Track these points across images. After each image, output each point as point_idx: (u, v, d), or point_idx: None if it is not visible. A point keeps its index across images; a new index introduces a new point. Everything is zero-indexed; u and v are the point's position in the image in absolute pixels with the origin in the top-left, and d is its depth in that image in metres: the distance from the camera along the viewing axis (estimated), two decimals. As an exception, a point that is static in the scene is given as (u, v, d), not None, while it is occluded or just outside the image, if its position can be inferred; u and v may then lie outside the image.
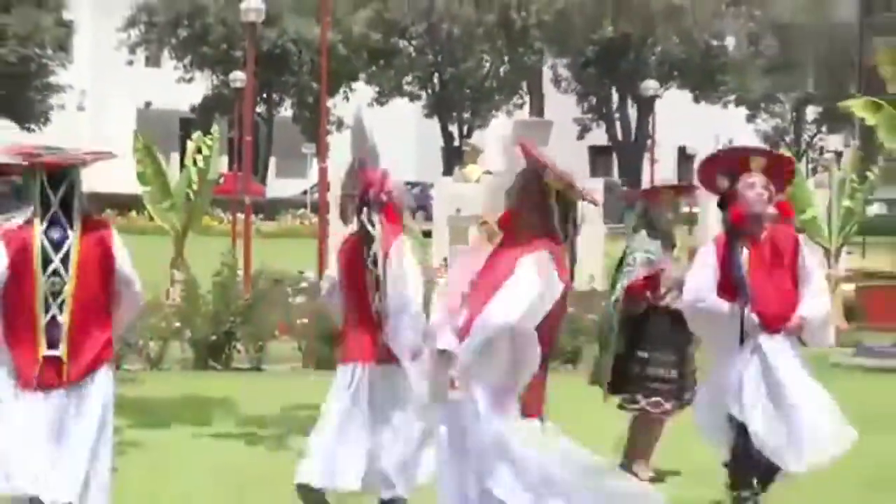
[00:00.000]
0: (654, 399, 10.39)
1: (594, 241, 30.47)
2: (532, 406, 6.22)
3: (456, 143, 64.83)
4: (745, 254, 8.45)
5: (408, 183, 63.32)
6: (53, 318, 7.42)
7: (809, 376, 8.53)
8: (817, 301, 8.50)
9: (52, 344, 7.39)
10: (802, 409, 8.35)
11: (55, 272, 7.44)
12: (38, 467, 7.37)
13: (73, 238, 7.47)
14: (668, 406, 10.42)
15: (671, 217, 10.71)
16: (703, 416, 9.01)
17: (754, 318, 8.41)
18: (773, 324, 8.42)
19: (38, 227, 7.46)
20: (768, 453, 8.39)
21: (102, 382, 7.51)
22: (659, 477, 10.39)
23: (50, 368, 7.38)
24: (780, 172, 8.76)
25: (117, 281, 7.58)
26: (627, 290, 10.36)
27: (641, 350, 10.39)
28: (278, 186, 63.34)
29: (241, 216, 33.00)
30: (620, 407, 10.62)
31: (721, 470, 9.53)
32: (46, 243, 7.46)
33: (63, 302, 7.44)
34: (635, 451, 10.59)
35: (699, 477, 10.26)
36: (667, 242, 10.54)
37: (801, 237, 8.92)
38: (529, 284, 6.12)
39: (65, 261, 7.45)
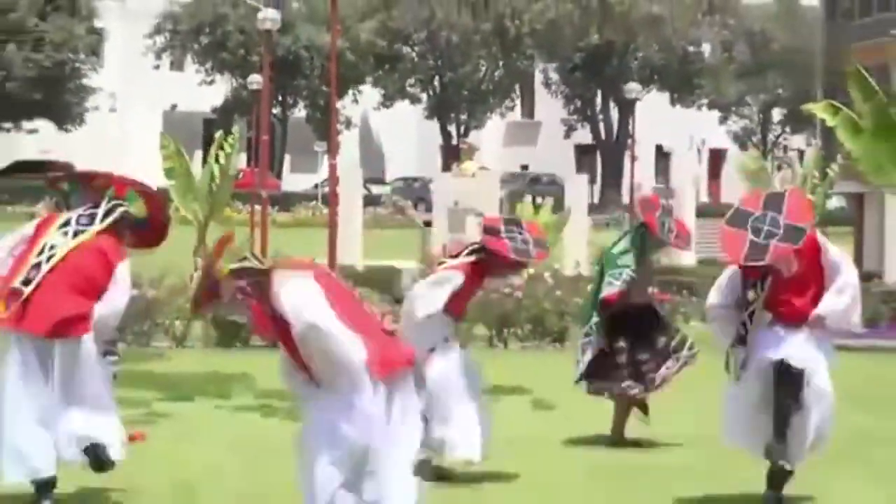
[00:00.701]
0: (625, 384, 10.48)
1: (580, 232, 30.59)
2: (379, 368, 6.39)
3: (454, 141, 64.78)
4: (767, 282, 8.07)
5: (410, 178, 63.45)
6: (38, 264, 7.90)
7: (820, 371, 8.15)
8: (837, 298, 8.12)
9: (26, 282, 7.84)
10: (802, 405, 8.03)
11: (51, 247, 7.94)
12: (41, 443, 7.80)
13: (67, 241, 7.99)
14: (635, 391, 10.52)
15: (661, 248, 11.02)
16: (731, 423, 8.43)
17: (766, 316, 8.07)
18: (792, 320, 8.11)
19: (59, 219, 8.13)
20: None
21: (83, 354, 7.82)
22: (642, 444, 10.44)
23: (15, 300, 7.82)
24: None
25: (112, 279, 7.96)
26: (603, 301, 10.48)
27: (617, 341, 10.50)
28: (292, 181, 63.31)
29: (258, 208, 33.07)
30: (597, 393, 10.70)
31: (706, 437, 9.52)
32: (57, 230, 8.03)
33: (52, 256, 7.91)
34: (617, 426, 10.67)
35: (683, 444, 10.32)
36: (644, 258, 10.69)
37: (822, 237, 8.47)
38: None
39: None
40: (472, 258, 9.09)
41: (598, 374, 10.51)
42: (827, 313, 8.09)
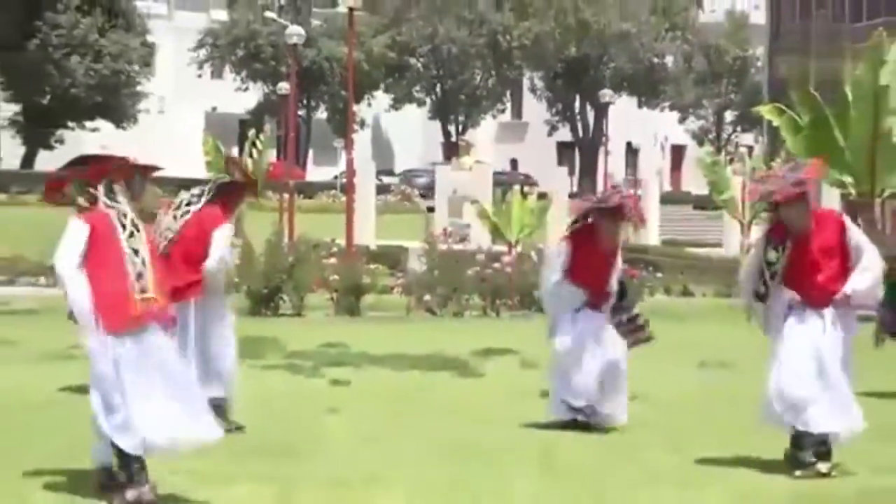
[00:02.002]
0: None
1: (561, 217, 30.54)
2: (112, 323, 6.21)
3: (453, 139, 64.79)
4: (787, 245, 7.49)
5: (415, 170, 63.43)
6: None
7: (841, 356, 7.47)
8: (862, 276, 7.44)
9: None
10: (815, 383, 7.39)
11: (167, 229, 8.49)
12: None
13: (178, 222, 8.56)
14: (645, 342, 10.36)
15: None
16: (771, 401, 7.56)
17: (794, 296, 7.47)
18: (817, 300, 7.44)
19: None
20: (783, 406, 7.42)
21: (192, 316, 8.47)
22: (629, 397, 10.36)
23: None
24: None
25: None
26: None
27: None
28: (315, 172, 63.28)
29: (286, 196, 33.05)
30: None
31: (687, 396, 9.39)
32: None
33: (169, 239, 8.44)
34: None
35: (669, 403, 10.24)
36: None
37: (847, 218, 7.75)
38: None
39: None
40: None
41: None
42: (853, 292, 7.46)
